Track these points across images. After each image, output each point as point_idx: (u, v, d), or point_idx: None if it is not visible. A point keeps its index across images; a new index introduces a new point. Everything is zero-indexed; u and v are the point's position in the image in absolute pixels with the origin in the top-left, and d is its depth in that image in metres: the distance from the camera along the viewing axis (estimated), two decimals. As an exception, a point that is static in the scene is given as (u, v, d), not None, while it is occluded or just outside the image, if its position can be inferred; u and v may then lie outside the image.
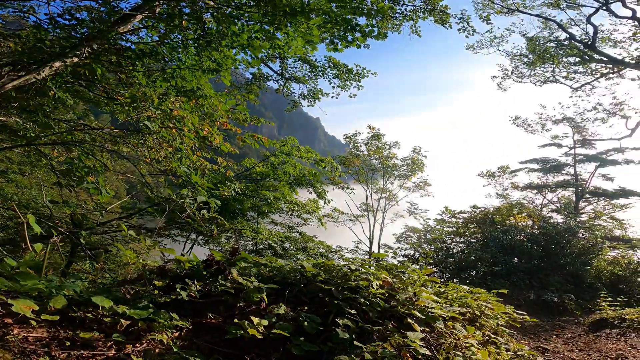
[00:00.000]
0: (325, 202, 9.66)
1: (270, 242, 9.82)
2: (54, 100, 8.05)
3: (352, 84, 10.05)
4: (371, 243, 16.70)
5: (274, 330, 2.20)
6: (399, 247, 12.82)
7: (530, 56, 15.43)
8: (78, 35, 6.72)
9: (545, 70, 15.75)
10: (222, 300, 2.69)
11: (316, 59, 10.16)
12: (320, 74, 10.22)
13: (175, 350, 2.16)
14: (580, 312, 8.73)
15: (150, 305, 2.49)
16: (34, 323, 2.13)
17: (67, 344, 2.09)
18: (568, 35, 14.62)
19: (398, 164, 17.69)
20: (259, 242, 10.06)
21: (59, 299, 2.26)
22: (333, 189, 15.81)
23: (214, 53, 6.82)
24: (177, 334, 2.37)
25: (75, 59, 6.50)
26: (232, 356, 2.24)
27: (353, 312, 2.35)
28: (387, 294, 2.67)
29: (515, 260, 11.47)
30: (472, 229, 12.55)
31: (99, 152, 8.62)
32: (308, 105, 11.21)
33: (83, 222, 6.69)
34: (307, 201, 10.09)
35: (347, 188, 17.12)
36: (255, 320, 2.21)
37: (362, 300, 2.46)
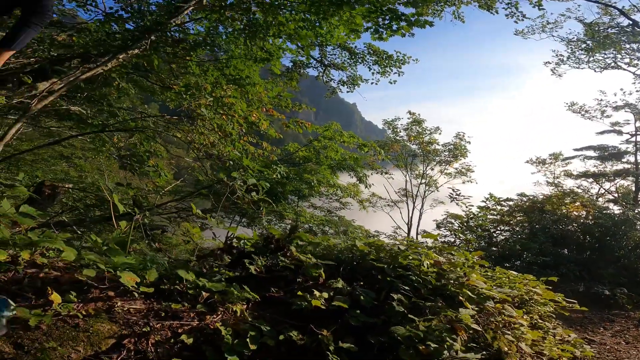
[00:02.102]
0: (366, 186, 9.76)
1: (311, 225, 10.14)
2: (118, 89, 8.74)
3: (392, 70, 9.93)
4: (409, 229, 16.64)
5: (334, 303, 2.41)
6: (439, 234, 12.70)
7: (589, 42, 14.32)
8: (139, 28, 7.16)
9: (606, 56, 14.59)
10: (282, 276, 2.94)
11: (356, 46, 10.15)
12: (360, 60, 10.19)
13: (249, 320, 2.39)
14: (631, 306, 8.30)
15: (223, 278, 2.77)
16: (135, 295, 2.39)
17: (162, 314, 2.33)
18: (631, 22, 13.43)
19: (439, 150, 17.30)
20: (299, 225, 10.42)
21: (152, 272, 2.53)
22: (372, 174, 15.81)
23: (265, 43, 7.02)
24: (246, 306, 2.59)
25: (137, 51, 6.98)
26: (295, 326, 2.44)
27: (406, 288, 2.51)
28: (437, 273, 2.80)
29: (566, 251, 11.00)
30: (519, 218, 12.12)
31: (157, 138, 9.28)
32: (347, 92, 11.25)
33: (143, 203, 7.34)
34: (348, 185, 10.25)
35: (386, 173, 17.06)
36: (317, 293, 2.44)
37: (414, 278, 2.61)
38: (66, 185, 5.94)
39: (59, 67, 6.75)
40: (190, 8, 7.02)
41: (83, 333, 2.06)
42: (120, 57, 6.67)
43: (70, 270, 2.67)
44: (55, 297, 2.14)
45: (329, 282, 2.64)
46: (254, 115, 8.45)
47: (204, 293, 2.56)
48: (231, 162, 8.77)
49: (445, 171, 17.64)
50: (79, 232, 7.13)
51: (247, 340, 2.18)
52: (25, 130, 10.46)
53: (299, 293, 2.50)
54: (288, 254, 2.95)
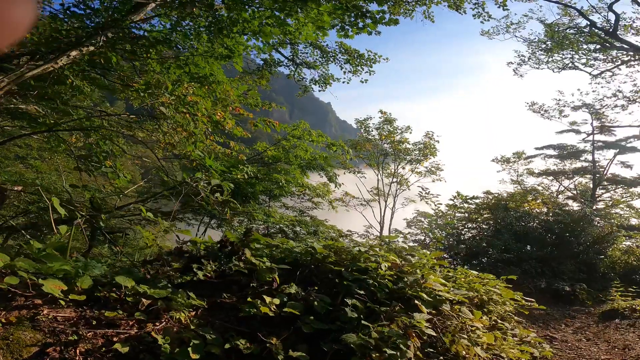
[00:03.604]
0: (336, 186, 9.71)
1: (281, 225, 9.98)
2: (72, 88, 8.23)
3: (363, 69, 9.96)
4: (382, 228, 16.78)
5: (285, 309, 2.30)
6: (409, 232, 12.85)
7: (548, 42, 14.98)
8: (92, 25, 6.79)
9: (564, 56, 15.29)
10: (235, 280, 2.80)
11: (327, 45, 10.11)
12: (332, 59, 10.18)
13: (192, 328, 2.27)
14: (591, 302, 8.67)
15: (169, 285, 2.60)
16: (62, 303, 2.24)
17: (94, 322, 2.21)
18: (589, 23, 14.13)
19: (410, 149, 17.55)
20: (270, 225, 10.24)
21: (85, 280, 2.37)
22: (344, 173, 15.84)
23: (226, 40, 6.85)
24: (194, 312, 2.47)
25: (92, 48, 6.59)
26: (245, 334, 2.34)
27: (362, 292, 2.43)
28: (395, 276, 2.73)
29: (528, 247, 11.37)
30: (485, 215, 12.46)
31: (116, 138, 8.83)
32: (319, 90, 11.22)
33: (102, 206, 6.93)
34: (318, 185, 10.17)
35: (358, 172, 17.13)
36: (268, 299, 2.31)
37: (371, 281, 2.53)
38: (16, 188, 5.48)
39: (7, 64, 6.29)
40: (152, 5, 6.73)
41: (2, 341, 1.97)
42: (72, 54, 6.29)
43: None
44: None
45: (282, 287, 2.52)
46: (219, 114, 8.21)
47: (144, 300, 2.42)
48: (195, 164, 8.49)
49: (416, 170, 17.93)
50: (29, 237, 6.65)
51: (189, 349, 2.07)
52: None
53: (250, 299, 2.36)
54: (243, 258, 2.81)
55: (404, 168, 18.03)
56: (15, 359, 1.90)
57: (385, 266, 2.70)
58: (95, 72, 8.21)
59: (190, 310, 2.46)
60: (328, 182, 10.03)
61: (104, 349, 2.06)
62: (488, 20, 9.57)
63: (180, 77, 7.67)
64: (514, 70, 16.88)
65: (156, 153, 9.97)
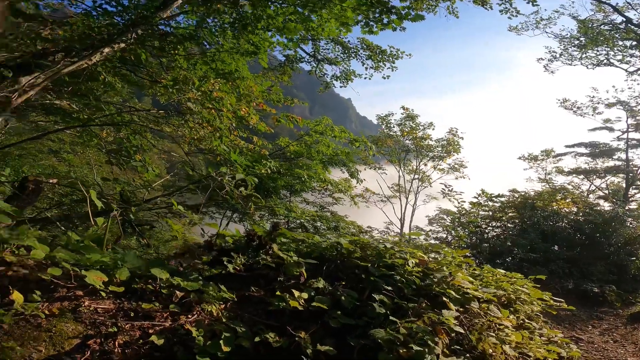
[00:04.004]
0: (357, 182, 9.71)
1: (302, 220, 10.06)
2: (104, 84, 8.56)
3: (385, 65, 9.89)
4: (402, 224, 16.66)
5: (313, 304, 2.34)
6: (431, 230, 12.69)
7: (582, 39, 14.37)
8: (122, 22, 7.00)
9: (598, 53, 14.64)
10: (263, 274, 2.86)
11: (349, 41, 10.08)
12: (353, 55, 10.15)
13: (224, 320, 2.30)
14: (620, 304, 8.35)
15: (200, 277, 2.67)
16: (103, 294, 2.30)
17: (132, 314, 2.25)
18: (625, 19, 13.46)
19: (432, 145, 17.29)
20: (291, 220, 10.35)
21: (124, 271, 2.44)
22: (365, 169, 15.77)
23: (251, 36, 6.93)
24: (224, 305, 2.51)
25: (122, 45, 6.81)
26: (273, 327, 2.37)
27: (389, 288, 2.44)
28: (422, 273, 2.73)
29: (555, 247, 11.02)
30: (510, 214, 12.13)
31: (144, 133, 9.12)
32: (340, 87, 11.18)
33: (131, 198, 7.19)
34: (340, 180, 10.20)
35: (379, 168, 17.03)
36: (296, 293, 2.36)
37: (398, 277, 2.54)
38: (51, 180, 5.77)
39: (43, 61, 6.59)
40: (179, 2, 6.88)
41: (45, 333, 2.01)
42: (105, 50, 6.52)
43: (40, 269, 2.55)
44: (17, 297, 2.05)
45: (310, 281, 2.56)
46: (243, 109, 8.34)
47: (178, 292, 2.47)
48: (221, 157, 8.66)
49: (439, 167, 17.65)
50: (63, 229, 6.97)
51: (221, 341, 2.10)
52: (13, 125, 10.22)
53: (278, 293, 2.42)
54: (270, 252, 2.87)
55: (426, 165, 17.79)
56: (57, 351, 1.96)
57: (412, 263, 2.70)
58: (125, 69, 8.50)
59: (221, 303, 2.49)
60: (349, 177, 10.03)
61: (141, 340, 2.11)
62: (516, 16, 9.27)
63: (207, 73, 7.83)
64: (544, 67, 16.35)
65: (182, 148, 10.23)
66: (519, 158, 20.24)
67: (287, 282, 2.70)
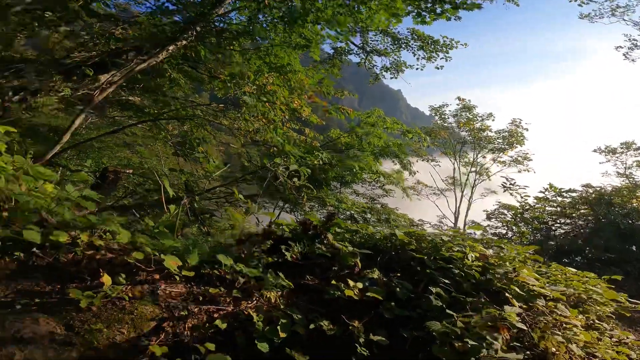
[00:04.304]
0: (410, 173, 9.53)
1: (352, 212, 10.08)
2: (170, 80, 9.22)
3: (438, 55, 9.52)
4: (456, 218, 15.99)
5: (368, 294, 2.36)
6: (489, 225, 12.02)
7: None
8: (182, 20, 7.40)
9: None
10: (318, 263, 2.92)
11: (398, 32, 9.84)
12: (404, 46, 9.90)
13: (281, 307, 2.38)
14: (700, 309, 7.28)
15: (259, 264, 2.79)
16: (177, 278, 2.45)
17: (200, 298, 2.36)
18: None
19: (492, 137, 16.29)
20: (341, 211, 10.41)
21: (194, 256, 2.59)
22: (417, 161, 15.34)
23: (302, 30, 7.02)
24: (280, 293, 2.58)
25: (184, 42, 7.24)
26: (327, 315, 2.40)
27: (446, 282, 2.40)
28: (482, 267, 2.63)
29: (634, 247, 9.89)
30: (582, 210, 11.07)
31: (204, 126, 9.71)
32: (391, 78, 10.98)
33: (194, 188, 7.74)
34: (392, 171, 10.05)
35: (432, 160, 16.44)
36: (351, 282, 2.40)
37: (456, 271, 2.48)
38: (127, 171, 6.41)
39: (117, 59, 7.20)
40: (231, -2, 7.12)
41: (128, 315, 2.13)
42: (170, 48, 6.98)
43: (124, 253, 2.75)
44: (106, 279, 2.24)
45: (364, 271, 2.59)
46: (296, 102, 8.51)
47: (240, 278, 2.56)
48: (275, 149, 8.94)
49: (499, 159, 16.59)
50: (138, 216, 7.68)
51: (278, 327, 2.17)
52: (93, 120, 11.42)
53: (333, 282, 2.47)
54: (325, 241, 2.94)
55: (484, 157, 16.83)
56: (137, 333, 2.06)
57: (472, 257, 2.61)
58: (187, 65, 9.08)
59: (278, 290, 2.57)
60: (402, 169, 9.85)
61: (207, 324, 2.20)
62: (587, 3, 8.35)
63: (260, 67, 8.11)
64: (624, 55, 14.69)
65: (237, 140, 10.71)
66: (594, 151, 18.29)
67: (342, 272, 2.74)
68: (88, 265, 2.55)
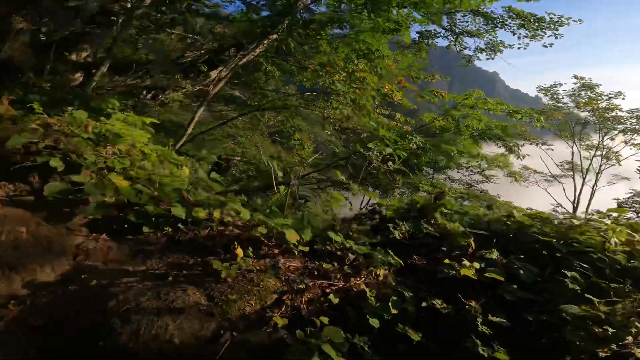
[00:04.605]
0: (517, 157, 8.65)
1: (448, 197, 9.55)
2: (265, 73, 9.86)
3: (545, 33, 8.40)
4: (575, 208, 14.00)
5: (486, 274, 2.26)
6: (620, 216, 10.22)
7: None
8: (269, 14, 7.75)
9: None
10: (425, 243, 2.89)
11: (492, 11, 8.89)
12: (499, 25, 8.93)
13: (392, 284, 2.41)
14: None
15: (366, 242, 2.87)
16: (295, 253, 2.63)
17: (315, 273, 2.49)
18: None
19: (623, 117, 13.76)
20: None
21: (308, 232, 2.78)
22: (523, 145, 13.76)
23: (391, 15, 6.85)
24: (387, 270, 2.61)
25: (275, 36, 7.63)
26: (438, 295, 2.36)
27: (585, 266, 2.16)
28: (628, 254, 2.29)
29: None
30: None
31: (296, 115, 10.20)
32: (487, 59, 10.01)
33: (291, 174, 8.23)
34: (496, 155, 9.25)
35: (543, 144, 14.57)
36: (467, 262, 2.32)
37: (595, 256, 2.21)
38: (236, 159, 7.13)
39: (221, 56, 7.93)
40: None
41: (255, 287, 2.30)
42: (264, 42, 7.41)
43: (247, 229, 3.08)
44: (239, 252, 2.49)
45: (480, 252, 2.48)
46: (387, 87, 8.39)
47: (350, 255, 2.66)
48: (365, 135, 8.98)
49: (633, 141, 13.96)
50: (245, 200, 8.48)
51: (390, 304, 2.20)
52: (203, 114, 12.88)
53: (446, 261, 2.42)
54: (432, 221, 2.88)
55: (612, 139, 14.34)
56: (261, 305, 2.21)
57: (616, 241, 2.29)
58: (280, 58, 9.59)
59: (386, 267, 2.60)
60: (507, 153, 8.99)
61: (322, 298, 2.30)
62: None
63: (348, 54, 8.14)
64: None
65: (326, 128, 11.00)
66: None
67: (453, 253, 2.67)
68: (220, 240, 2.89)
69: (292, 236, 2.61)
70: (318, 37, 7.98)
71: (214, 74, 7.68)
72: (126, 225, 2.94)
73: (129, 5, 6.21)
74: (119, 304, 2.11)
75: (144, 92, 7.09)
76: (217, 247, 2.81)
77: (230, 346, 1.96)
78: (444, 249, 2.74)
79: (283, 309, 2.22)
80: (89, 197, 2.94)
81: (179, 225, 3.00)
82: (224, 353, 1.92)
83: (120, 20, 6.27)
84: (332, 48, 8.24)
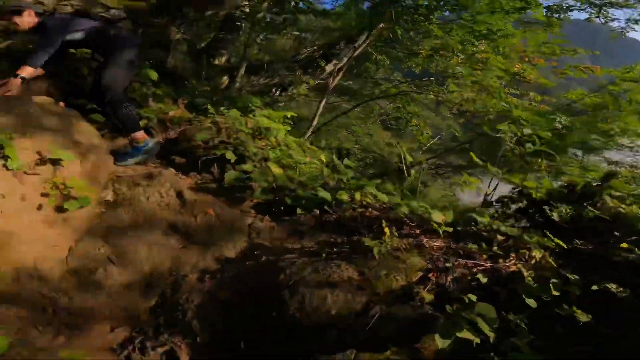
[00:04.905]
0: None
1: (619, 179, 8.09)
2: (375, 62, 9.91)
3: None
4: None
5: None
6: None
7: None
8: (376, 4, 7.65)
9: None
10: (588, 227, 2.62)
11: None
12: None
13: (554, 265, 2.28)
14: None
15: (514, 224, 2.74)
16: (440, 233, 2.65)
17: (461, 253, 2.50)
18: None
19: None
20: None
21: (450, 213, 2.81)
22: None
23: None
24: (544, 253, 2.42)
25: (382, 25, 7.58)
26: (609, 280, 2.11)
27: None
28: None
29: None
30: None
31: (411, 101, 10.01)
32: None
33: (409, 160, 8.19)
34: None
35: None
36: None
37: None
38: (354, 146, 7.47)
39: (333, 50, 8.27)
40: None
41: (401, 264, 2.42)
42: (374, 32, 7.44)
43: (385, 211, 3.23)
44: (387, 231, 2.63)
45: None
46: (517, 66, 7.64)
47: (499, 236, 2.57)
48: (489, 117, 8.37)
49: None
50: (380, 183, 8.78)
51: (551, 285, 2.08)
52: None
53: (624, 245, 2.17)
54: (598, 204, 2.59)
55: None
56: (407, 281, 2.31)
57: None
58: (389, 47, 9.49)
59: (541, 250, 2.44)
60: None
61: (468, 277, 2.30)
62: None
63: (464, 37, 7.58)
64: None
65: (441, 112, 10.51)
66: None
67: (627, 237, 2.36)
68: (362, 221, 3.08)
69: (438, 217, 2.67)
70: (427, 22, 7.69)
71: (328, 67, 8.11)
72: (282, 208, 3.37)
73: (247, 10, 6.89)
74: (287, 278, 2.39)
75: (273, 89, 7.90)
76: (360, 228, 3.01)
77: (379, 319, 2.08)
78: (616, 233, 2.44)
79: (429, 285, 2.29)
80: (253, 183, 3.50)
81: (325, 207, 3.33)
82: (373, 325, 2.05)
83: (243, 25, 7.06)
84: (445, 32, 7.84)
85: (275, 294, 2.31)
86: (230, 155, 3.47)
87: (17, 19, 3.27)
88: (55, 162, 2.59)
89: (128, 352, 2.27)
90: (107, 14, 3.70)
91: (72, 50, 3.91)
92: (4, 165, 2.36)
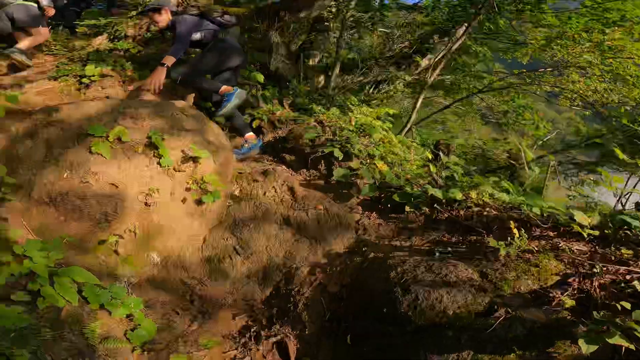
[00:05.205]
0: None
1: None
2: (475, 55, 9.17)
3: None
4: None
5: None
6: None
7: None
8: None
9: None
10: None
11: None
12: None
13: None
14: None
15: None
16: (584, 235, 2.35)
17: (612, 258, 2.22)
18: None
19: None
20: None
21: (595, 215, 2.44)
22: None
23: None
24: None
25: (481, 16, 6.99)
26: None
27: None
28: None
29: None
30: None
31: (522, 94, 9.01)
32: None
33: (518, 157, 7.38)
34: None
35: None
36: None
37: None
38: (455, 143, 7.01)
39: (427, 44, 7.87)
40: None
41: (533, 267, 2.24)
42: (472, 23, 6.94)
43: (505, 210, 2.92)
44: (515, 232, 2.36)
45: None
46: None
47: None
48: (627, 108, 7.24)
49: None
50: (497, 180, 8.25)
51: None
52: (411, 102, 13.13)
53: None
54: None
55: None
56: (540, 285, 2.15)
57: None
58: (491, 38, 8.69)
59: None
60: None
61: (621, 285, 2.05)
62: None
63: (587, 24, 6.69)
64: None
65: (557, 104, 9.22)
66: None
67: None
68: (479, 220, 2.86)
69: (581, 218, 2.34)
70: (538, 10, 6.91)
71: (423, 63, 7.78)
72: (389, 205, 3.31)
73: (334, 10, 6.92)
74: (399, 275, 2.34)
75: (367, 87, 7.88)
76: (477, 227, 2.81)
77: (504, 321, 1.97)
78: None
79: (569, 290, 2.10)
80: (359, 180, 3.51)
81: (435, 205, 3.17)
82: (497, 327, 1.95)
83: (332, 24, 7.14)
84: (562, 21, 6.95)
85: (386, 291, 2.30)
86: (338, 153, 3.52)
87: (156, 17, 3.78)
88: (195, 160, 2.94)
89: (245, 341, 2.46)
90: (222, 19, 4.06)
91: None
92: (158, 163, 2.77)
